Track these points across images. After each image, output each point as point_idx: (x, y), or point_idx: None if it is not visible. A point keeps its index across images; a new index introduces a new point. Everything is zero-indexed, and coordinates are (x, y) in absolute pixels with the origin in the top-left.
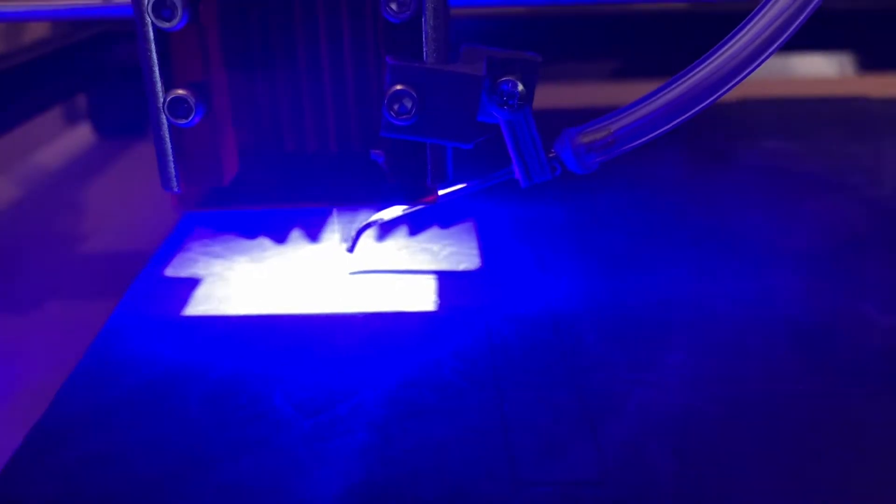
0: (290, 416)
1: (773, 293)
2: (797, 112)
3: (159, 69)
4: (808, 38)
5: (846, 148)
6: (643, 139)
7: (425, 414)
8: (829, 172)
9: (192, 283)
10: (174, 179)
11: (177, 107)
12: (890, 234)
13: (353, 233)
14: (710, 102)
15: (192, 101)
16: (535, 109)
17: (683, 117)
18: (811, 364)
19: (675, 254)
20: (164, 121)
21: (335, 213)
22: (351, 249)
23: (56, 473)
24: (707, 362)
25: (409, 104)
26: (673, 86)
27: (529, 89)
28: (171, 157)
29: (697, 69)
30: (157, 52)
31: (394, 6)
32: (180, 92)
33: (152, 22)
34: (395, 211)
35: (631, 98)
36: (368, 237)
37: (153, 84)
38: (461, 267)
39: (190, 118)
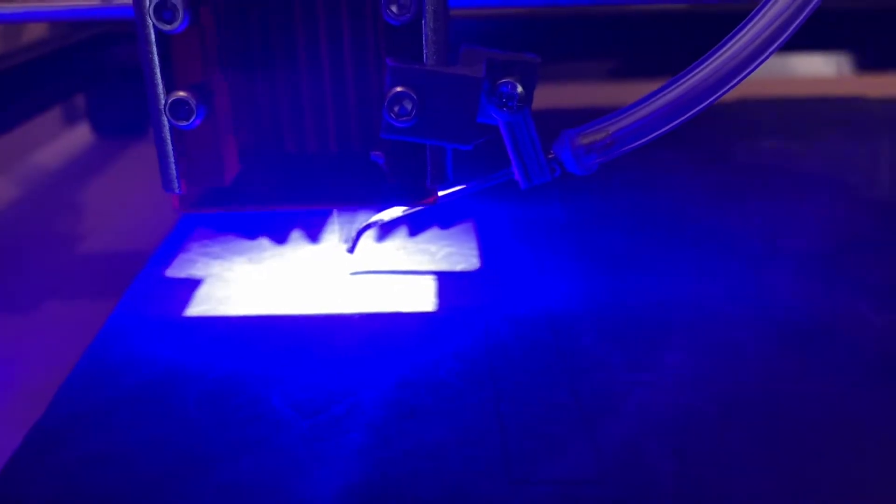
0: (289, 416)
1: (771, 293)
2: (796, 112)
3: (160, 71)
4: (806, 38)
5: (844, 148)
6: (642, 140)
7: (423, 414)
8: (827, 172)
9: (191, 284)
10: (175, 181)
11: (178, 108)
12: (887, 233)
13: (354, 233)
14: (710, 104)
15: (193, 102)
16: (535, 110)
17: (683, 118)
18: (809, 364)
19: (673, 254)
20: (166, 122)
21: (335, 213)
22: (351, 250)
23: (55, 473)
24: (705, 362)
25: (409, 106)
26: (672, 87)
27: (529, 91)
28: (172, 159)
29: (696, 70)
30: (158, 54)
31: (394, 8)
32: (181, 94)
33: (153, 24)
34: (395, 212)
35: (630, 99)
36: (368, 238)
37: (154, 86)
38: (459, 267)
39: (191, 120)
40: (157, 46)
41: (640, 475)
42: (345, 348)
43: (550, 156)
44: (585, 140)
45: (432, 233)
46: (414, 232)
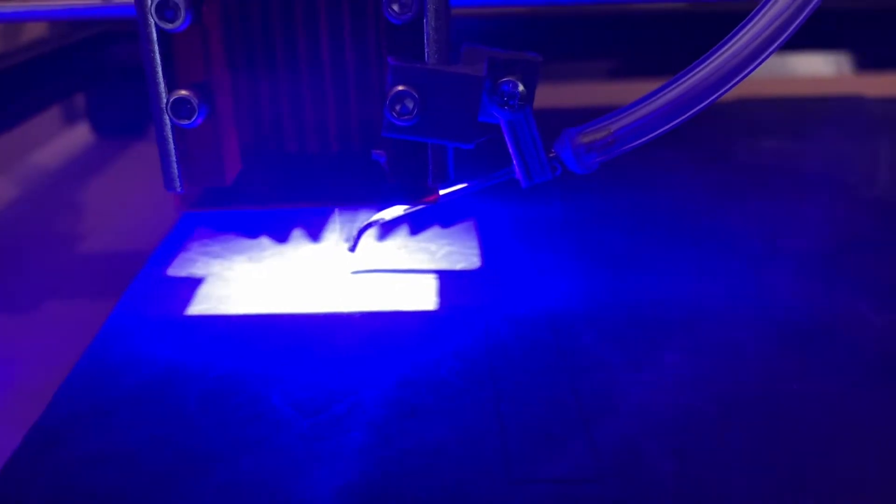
0: (289, 415)
1: (771, 292)
2: (795, 111)
3: (162, 70)
4: (805, 37)
5: (844, 147)
6: (643, 139)
7: (424, 413)
8: (826, 171)
9: (191, 283)
10: (177, 180)
11: (180, 107)
12: (887, 232)
13: (355, 232)
14: (710, 102)
15: (194, 101)
16: (536, 109)
17: (683, 117)
18: (808, 363)
19: (673, 253)
20: (167, 121)
21: (336, 212)
22: (352, 249)
23: (55, 473)
24: (705, 362)
25: (410, 105)
26: (673, 86)
27: (530, 90)
28: (173, 158)
29: (697, 69)
30: (160, 53)
31: (395, 7)
32: (183, 93)
33: (155, 23)
34: (397, 210)
35: (631, 98)
36: (369, 237)
37: (156, 85)
38: (460, 266)
39: (193, 119)
40: (158, 45)
41: (640, 475)
42: (345, 347)
43: (551, 154)
44: (586, 139)
45: (433, 231)
46: (415, 231)
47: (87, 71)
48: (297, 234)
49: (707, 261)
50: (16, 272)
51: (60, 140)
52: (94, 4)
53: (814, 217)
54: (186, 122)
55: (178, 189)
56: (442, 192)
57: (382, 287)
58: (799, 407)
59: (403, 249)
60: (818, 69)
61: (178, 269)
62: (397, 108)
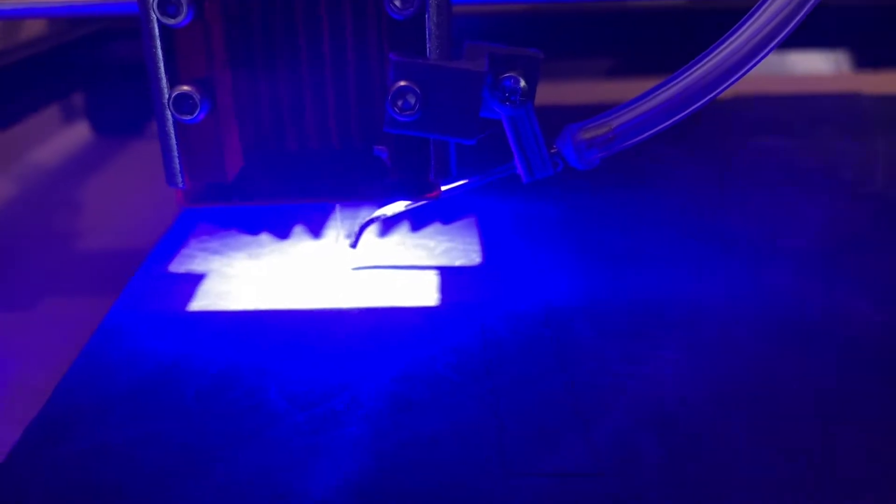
0: (287, 409)
1: (767, 289)
2: (792, 109)
3: (164, 66)
4: (803, 35)
5: (841, 144)
6: (644, 135)
7: (420, 408)
8: (825, 169)
9: (189, 280)
10: (179, 175)
11: (182, 103)
12: (885, 230)
13: (357, 228)
14: (710, 99)
15: (196, 97)
16: (537, 106)
17: (684, 113)
18: (805, 360)
19: (671, 250)
20: (169, 117)
21: (338, 208)
22: (354, 245)
23: (54, 468)
24: (701, 358)
25: (412, 100)
26: (673, 83)
27: (531, 85)
28: (175, 153)
29: (697, 66)
30: (161, 48)
31: (397, 3)
32: (185, 88)
33: (157, 18)
34: (399, 206)
35: (632, 95)
36: (370, 233)
37: (158, 80)
38: (458, 263)
39: (195, 114)
40: (160, 41)
41: (636, 469)
42: (342, 343)
43: (553, 150)
44: (587, 135)
45: (434, 228)
46: (416, 227)
47: (85, 68)
48: (297, 230)
49: (705, 257)
50: (15, 269)
51: (59, 138)
52: (93, 1)
53: (812, 214)
54: (188, 117)
55: (180, 184)
56: (444, 187)
57: (380, 283)
58: (797, 403)
59: (403, 245)
60: (816, 67)
61: (176, 266)
62: (399, 103)
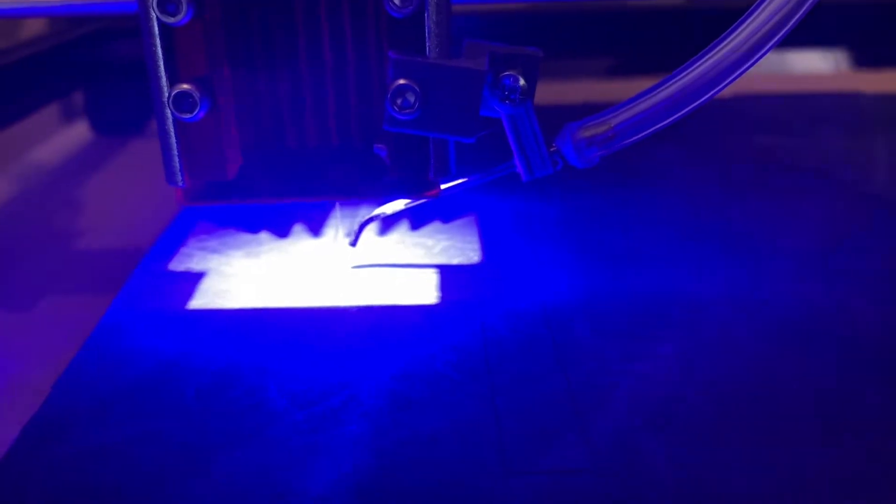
0: (286, 408)
1: (766, 288)
2: (792, 107)
3: (164, 64)
4: (803, 33)
5: (841, 143)
6: (643, 133)
7: (419, 406)
8: (823, 167)
9: (188, 278)
10: (178, 173)
11: (181, 101)
12: (883, 228)
13: (356, 227)
14: (710, 97)
15: (196, 95)
16: (537, 106)
17: (683, 112)
18: (802, 358)
19: (669, 248)
20: (169, 115)
21: (338, 207)
22: (354, 243)
23: (52, 467)
24: (699, 355)
25: (411, 98)
26: (673, 81)
27: (531, 84)
28: (175, 152)
29: (697, 64)
30: (161, 46)
31: (397, 1)
32: (185, 86)
33: (157, 17)
34: (398, 205)
35: (631, 94)
36: (370, 231)
37: (158, 79)
38: (457, 261)
39: (194, 112)
40: (160, 39)
41: (634, 467)
42: (342, 341)
43: (552, 149)
44: (587, 133)
45: (434, 226)
46: (415, 226)
47: (85, 68)
48: (296, 228)
49: (704, 257)
50: (14, 268)
51: (59, 137)
52: (92, 0)
53: (810, 213)
54: (188, 115)
55: (180, 183)
56: (443, 186)
57: (380, 281)
58: (789, 398)
59: (403, 244)
60: (816, 65)
61: (175, 265)
62: (399, 101)
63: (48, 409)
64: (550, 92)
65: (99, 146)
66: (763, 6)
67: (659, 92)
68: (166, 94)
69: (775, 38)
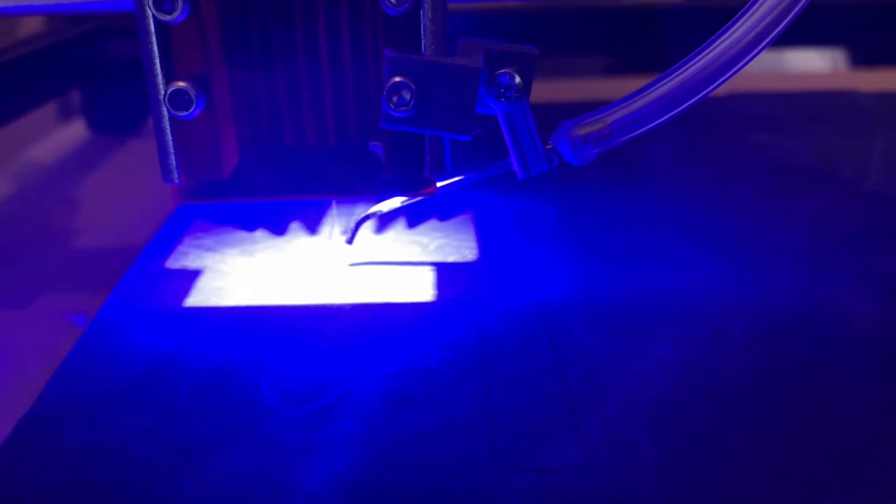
0: (280, 405)
1: (762, 287)
2: (788, 106)
3: (160, 62)
4: (799, 32)
5: (836, 142)
6: (639, 131)
7: (413, 403)
8: (819, 166)
9: (183, 276)
10: (175, 171)
11: (177, 99)
12: (879, 227)
13: (353, 224)
14: (705, 95)
15: (192, 93)
16: (532, 104)
17: (678, 109)
18: (797, 356)
19: (664, 246)
20: (165, 113)
21: (334, 205)
22: (350, 241)
23: (45, 463)
24: (693, 354)
25: (407, 96)
26: (668, 79)
27: (527, 82)
28: (171, 150)
29: (692, 62)
30: (157, 44)
31: None
32: (181, 84)
33: (153, 15)
34: (395, 202)
35: (627, 92)
36: (366, 229)
37: (154, 76)
38: (451, 259)
39: (190, 110)
40: (156, 37)
41: (629, 464)
42: (337, 339)
43: (548, 146)
44: (583, 131)
45: (430, 224)
46: (413, 223)
47: (82, 67)
48: (292, 226)
49: (699, 254)
50: (10, 265)
51: (56, 136)
52: None
53: (806, 211)
54: (184, 113)
55: (176, 181)
56: (439, 183)
57: (374, 279)
58: (783, 397)
59: (398, 242)
60: (812, 64)
61: (170, 263)
62: (394, 99)
63: (42, 406)
64: (547, 90)
65: (96, 144)
66: (758, 4)
67: (654, 90)
68: (162, 92)
69: (770, 36)
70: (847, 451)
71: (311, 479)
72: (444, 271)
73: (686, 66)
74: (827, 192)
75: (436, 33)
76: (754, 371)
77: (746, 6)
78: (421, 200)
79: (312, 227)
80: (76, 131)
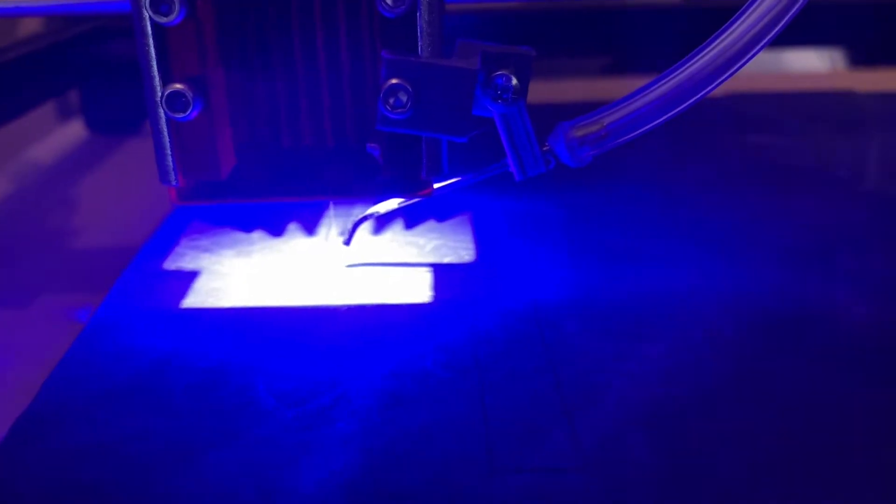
0: (275, 406)
1: (757, 287)
2: (785, 106)
3: (157, 64)
4: (797, 32)
5: (834, 142)
6: (636, 132)
7: (408, 404)
8: (816, 166)
9: (179, 277)
10: (172, 173)
11: (175, 101)
12: (875, 227)
13: (350, 226)
14: (702, 96)
15: (189, 95)
16: (529, 104)
17: (675, 111)
18: (791, 357)
19: (659, 247)
20: (162, 115)
21: (331, 206)
22: (347, 242)
23: (41, 463)
24: (687, 354)
25: (404, 98)
26: (665, 80)
27: (523, 83)
28: (168, 151)
29: (689, 63)
30: (154, 46)
31: (389, 1)
32: (178, 86)
33: (150, 17)
34: (392, 204)
35: (624, 93)
36: (364, 230)
37: (151, 78)
38: (447, 260)
39: (188, 112)
40: (153, 39)
41: (622, 465)
42: (333, 340)
43: (545, 148)
44: (579, 132)
45: (427, 225)
46: (410, 225)
47: (81, 67)
48: (289, 228)
49: (695, 255)
50: (6, 265)
51: (54, 136)
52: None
53: (802, 212)
54: (181, 115)
55: (174, 182)
56: (436, 185)
57: (371, 280)
58: (777, 397)
59: (395, 243)
60: (809, 64)
61: (167, 264)
62: (391, 101)
63: (39, 405)
64: (544, 91)
65: (94, 144)
66: (756, 5)
67: (652, 91)
68: (159, 94)
69: (768, 37)
70: (842, 452)
71: (306, 480)
72: (440, 272)
73: (683, 68)
74: (824, 192)
75: (432, 35)
76: (749, 372)
77: (744, 7)
78: (419, 202)
79: (310, 228)
80: (75, 131)
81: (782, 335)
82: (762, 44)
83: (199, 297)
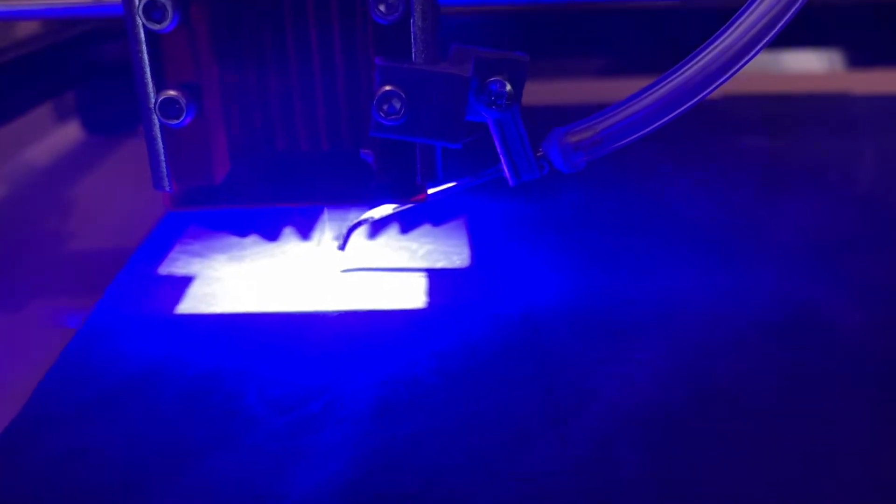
0: (266, 413)
1: (750, 290)
2: (781, 108)
3: (150, 70)
4: (793, 34)
5: (830, 144)
6: (630, 138)
7: (399, 411)
8: (812, 169)
9: (172, 282)
10: (166, 179)
11: (168, 107)
12: (871, 230)
13: (345, 231)
14: (697, 102)
15: (183, 101)
16: (524, 108)
17: (670, 116)
18: (784, 361)
19: (653, 251)
20: (156, 121)
21: (326, 211)
22: (342, 247)
23: (32, 469)
24: (680, 359)
25: (397, 104)
26: (660, 85)
27: (517, 89)
28: (162, 157)
29: (684, 68)
30: (147, 53)
31: (382, 8)
32: (171, 93)
33: (143, 24)
34: (386, 209)
35: (620, 96)
36: (359, 235)
37: (144, 85)
38: (439, 265)
39: (181, 118)
40: (146, 45)
41: (614, 471)
42: (324, 346)
43: (539, 153)
44: (573, 138)
45: (422, 230)
46: (405, 229)
47: (78, 69)
48: (282, 233)
49: (690, 259)
50: (2, 269)
51: (51, 138)
52: (85, 3)
53: (798, 214)
54: (175, 121)
55: (167, 188)
56: (430, 191)
57: (364, 286)
58: (769, 402)
59: (388, 248)
60: (805, 66)
61: (160, 268)
62: (385, 107)
63: (28, 412)
64: (538, 94)
65: (91, 146)
66: (752, 9)
67: (646, 96)
68: (153, 101)
69: (763, 42)
70: (835, 456)
71: (296, 486)
72: (434, 278)
73: (678, 73)
74: (820, 195)
75: (426, 41)
76: (742, 376)
77: (740, 10)
78: (413, 207)
79: (304, 233)
80: (71, 133)
81: (776, 339)
82: (758, 48)
83: (192, 302)
